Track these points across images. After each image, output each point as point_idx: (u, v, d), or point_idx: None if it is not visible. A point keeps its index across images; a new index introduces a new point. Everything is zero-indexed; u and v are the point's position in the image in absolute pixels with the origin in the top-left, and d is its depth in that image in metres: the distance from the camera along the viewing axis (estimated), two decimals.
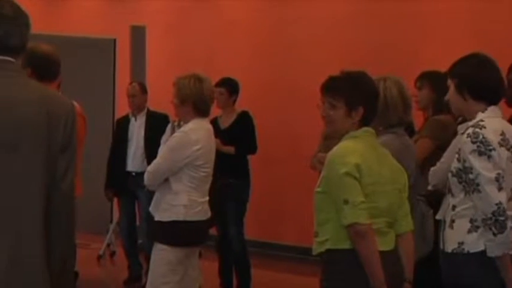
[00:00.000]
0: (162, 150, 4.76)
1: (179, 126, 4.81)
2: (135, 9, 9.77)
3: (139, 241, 7.36)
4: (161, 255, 4.67)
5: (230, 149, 6.63)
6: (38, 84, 2.92)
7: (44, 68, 4.28)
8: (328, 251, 3.38)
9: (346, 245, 3.34)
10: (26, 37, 2.80)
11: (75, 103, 2.99)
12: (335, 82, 3.49)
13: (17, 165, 2.69)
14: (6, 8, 2.75)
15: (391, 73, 4.30)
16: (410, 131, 4.60)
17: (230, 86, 6.90)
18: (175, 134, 4.73)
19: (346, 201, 3.30)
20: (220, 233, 6.82)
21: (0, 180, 2.66)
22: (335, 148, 3.42)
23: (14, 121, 2.69)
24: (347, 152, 3.38)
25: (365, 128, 3.47)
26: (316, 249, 3.44)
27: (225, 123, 6.85)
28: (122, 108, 7.95)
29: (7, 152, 2.68)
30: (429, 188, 4.11)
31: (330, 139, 4.02)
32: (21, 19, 2.78)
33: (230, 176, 6.61)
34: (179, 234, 4.67)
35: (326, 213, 3.39)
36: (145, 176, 4.75)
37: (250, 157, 7.00)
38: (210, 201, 4.87)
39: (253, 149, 6.96)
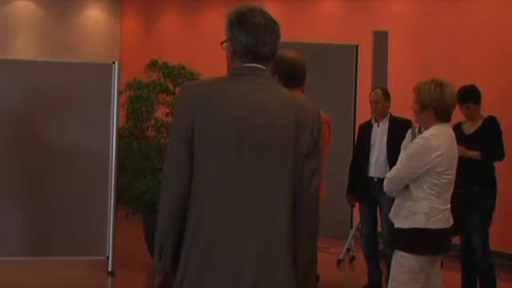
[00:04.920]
0: (402, 156, 4.71)
1: (419, 132, 4.74)
2: (378, 14, 9.75)
3: (380, 247, 7.33)
4: (402, 262, 4.61)
5: (476, 154, 6.41)
6: (286, 90, 2.99)
7: (290, 74, 4.39)
8: None
9: None
10: (276, 45, 2.88)
11: (322, 112, 3.03)
12: None
13: (267, 168, 2.77)
14: (258, 17, 2.84)
15: None
16: None
17: (473, 97, 6.65)
18: (415, 140, 4.66)
19: None
20: (464, 243, 6.61)
21: (251, 184, 2.76)
22: None
23: (265, 126, 2.78)
24: None
25: None
26: None
27: (470, 128, 6.64)
28: (363, 113, 7.96)
29: (258, 155, 2.76)
30: None
31: None
32: (272, 27, 2.85)
33: (475, 183, 6.41)
34: (420, 241, 4.59)
35: None
36: (385, 182, 4.72)
37: (496, 164, 6.73)
38: (452, 209, 4.74)
39: (500, 156, 6.68)
